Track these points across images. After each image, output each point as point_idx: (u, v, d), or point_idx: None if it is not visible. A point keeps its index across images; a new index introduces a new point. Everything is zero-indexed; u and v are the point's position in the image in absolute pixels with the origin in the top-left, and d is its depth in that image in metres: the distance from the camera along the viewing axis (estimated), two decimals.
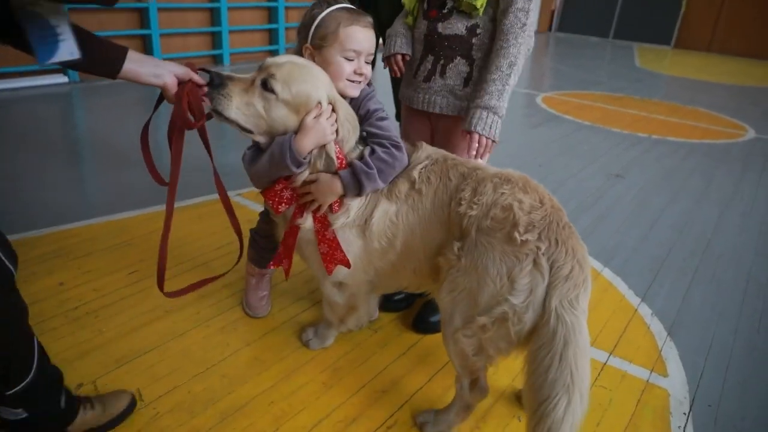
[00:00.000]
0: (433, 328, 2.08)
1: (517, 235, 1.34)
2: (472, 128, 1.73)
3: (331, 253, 1.60)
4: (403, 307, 2.23)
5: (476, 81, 1.80)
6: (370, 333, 2.09)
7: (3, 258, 1.22)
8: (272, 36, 7.99)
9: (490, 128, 1.73)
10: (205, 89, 1.47)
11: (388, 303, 2.21)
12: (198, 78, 1.48)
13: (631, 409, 1.80)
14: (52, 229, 2.67)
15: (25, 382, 1.33)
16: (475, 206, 1.44)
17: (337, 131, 1.52)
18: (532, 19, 1.75)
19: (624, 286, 2.56)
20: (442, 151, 1.65)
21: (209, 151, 1.65)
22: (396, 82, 2.16)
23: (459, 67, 1.81)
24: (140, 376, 1.80)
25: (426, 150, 1.64)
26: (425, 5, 1.84)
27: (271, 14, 7.88)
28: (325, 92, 1.50)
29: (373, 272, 1.69)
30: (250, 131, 1.50)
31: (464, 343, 1.46)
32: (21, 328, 1.32)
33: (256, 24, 7.73)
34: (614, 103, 6.64)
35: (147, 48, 6.41)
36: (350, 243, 1.61)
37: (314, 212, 1.58)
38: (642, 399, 1.85)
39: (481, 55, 1.79)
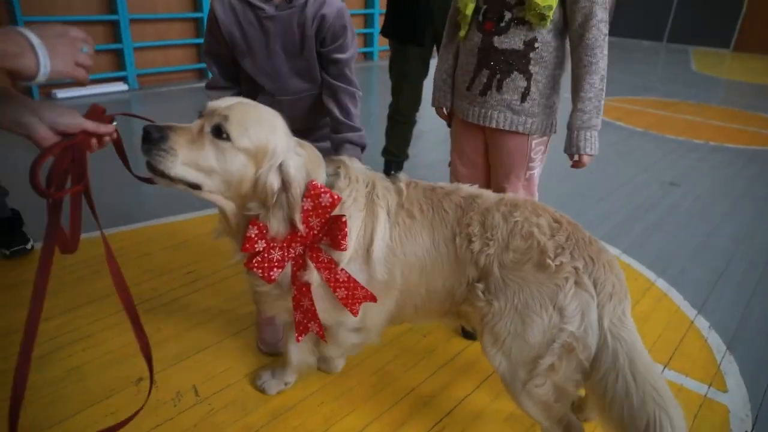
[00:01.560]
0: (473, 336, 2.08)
1: (549, 261, 1.27)
2: (582, 152, 1.75)
3: (352, 294, 1.40)
4: None
5: (534, 96, 1.79)
6: (419, 338, 2.10)
7: None
8: None
9: (594, 145, 1.76)
10: (105, 141, 1.22)
11: None
12: (96, 128, 1.17)
13: (688, 424, 1.75)
14: (112, 230, 2.81)
15: None
16: (490, 242, 1.35)
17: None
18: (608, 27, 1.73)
19: (679, 297, 2.48)
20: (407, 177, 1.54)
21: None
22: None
23: (516, 82, 1.78)
24: (196, 373, 1.86)
25: (368, 173, 1.50)
26: (480, 17, 1.81)
27: None
28: (284, 137, 1.30)
29: (386, 316, 1.54)
30: (197, 188, 1.27)
31: (539, 393, 1.33)
32: None
33: None
34: (668, 109, 6.45)
35: (120, 62, 6.09)
36: (356, 278, 1.41)
37: (316, 261, 1.35)
38: (700, 414, 1.79)
39: (539, 70, 1.77)
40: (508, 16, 1.75)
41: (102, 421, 1.66)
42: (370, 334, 1.57)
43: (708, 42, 13.27)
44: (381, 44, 9.02)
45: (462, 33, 1.88)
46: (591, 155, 1.76)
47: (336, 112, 1.81)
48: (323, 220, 1.33)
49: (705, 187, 3.92)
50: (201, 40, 6.88)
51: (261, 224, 1.30)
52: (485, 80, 1.83)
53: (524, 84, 1.78)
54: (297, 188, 1.27)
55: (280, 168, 1.27)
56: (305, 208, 1.29)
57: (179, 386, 1.80)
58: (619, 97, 6.86)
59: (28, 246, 2.60)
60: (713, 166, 4.41)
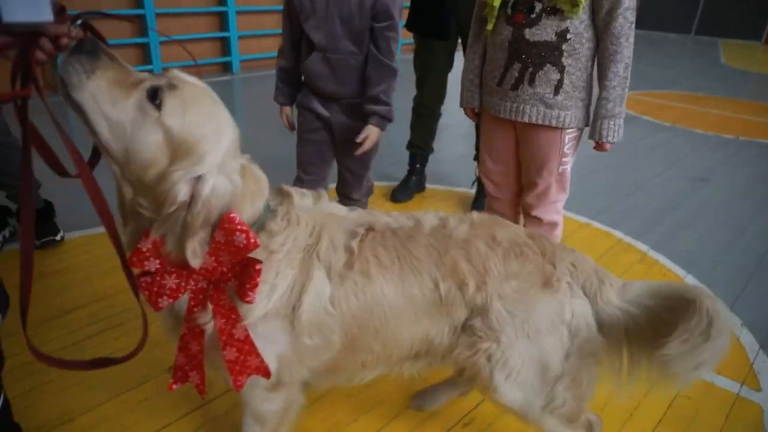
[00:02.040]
0: None
1: (555, 281, 1.23)
2: (604, 140, 1.77)
3: (243, 360, 1.13)
4: None
5: (567, 88, 1.77)
6: None
7: None
8: None
9: (617, 133, 1.76)
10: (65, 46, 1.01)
11: None
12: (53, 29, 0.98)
13: (720, 422, 1.73)
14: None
15: None
16: (486, 277, 1.22)
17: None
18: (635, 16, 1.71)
19: None
20: (365, 215, 1.31)
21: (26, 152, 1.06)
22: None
23: (549, 74, 1.76)
24: None
25: (337, 208, 1.31)
26: (508, 10, 1.79)
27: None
28: (223, 151, 1.05)
29: (307, 372, 1.29)
30: (96, 133, 1.01)
31: (560, 414, 1.29)
32: None
33: (268, 29, 7.43)
34: (696, 103, 6.34)
35: (146, 56, 6.25)
36: (273, 339, 1.18)
37: (216, 304, 1.10)
38: (732, 413, 1.77)
39: (572, 62, 1.75)
40: (538, 6, 1.73)
41: (136, 407, 1.69)
42: (292, 390, 1.31)
43: (738, 34, 12.99)
44: (405, 37, 8.98)
45: (489, 26, 1.86)
46: (613, 143, 1.78)
47: (374, 83, 2.02)
48: (236, 261, 1.06)
49: (735, 182, 3.85)
50: (225, 34, 6.95)
51: (157, 239, 1.02)
52: (517, 74, 1.81)
53: (557, 77, 1.77)
54: (201, 211, 0.99)
55: (197, 180, 1.00)
56: (216, 239, 1.03)
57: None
58: (645, 91, 6.75)
59: (58, 237, 2.66)
60: (743, 162, 4.33)
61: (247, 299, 1.06)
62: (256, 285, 1.05)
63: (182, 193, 0.99)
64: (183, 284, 1.08)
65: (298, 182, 2.29)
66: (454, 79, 3.39)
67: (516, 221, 2.14)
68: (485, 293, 1.21)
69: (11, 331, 1.98)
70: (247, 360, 1.13)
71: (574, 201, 3.24)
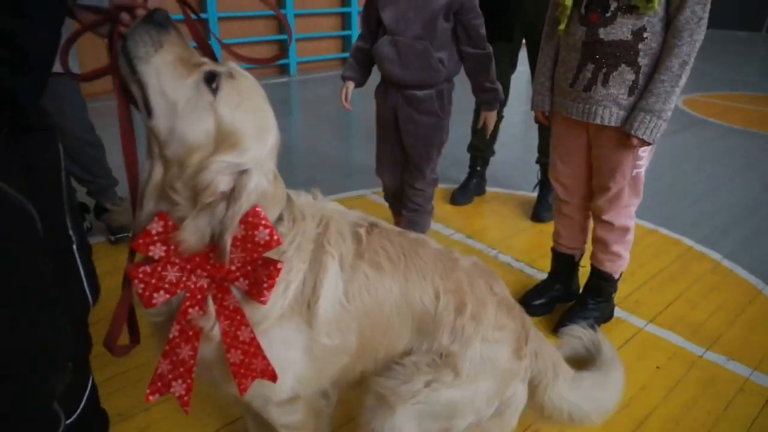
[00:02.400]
0: None
1: (523, 355, 1.24)
2: (633, 131, 1.68)
3: (248, 363, 1.05)
4: (543, 312, 2.20)
5: (642, 89, 1.71)
6: None
7: (86, 289, 1.14)
8: (345, 43, 7.86)
9: (651, 132, 1.68)
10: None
11: (527, 307, 2.17)
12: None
13: None
14: None
15: (69, 420, 1.19)
16: (484, 314, 1.20)
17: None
18: (707, 14, 1.63)
19: None
20: (361, 215, 1.27)
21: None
22: None
23: (623, 75, 1.71)
24: None
25: (337, 205, 1.26)
26: (582, 10, 1.75)
27: (344, 21, 7.73)
28: (266, 150, 1.03)
29: (327, 382, 1.23)
30: (149, 111, 0.97)
31: None
32: (81, 361, 1.23)
33: (326, 31, 7.58)
34: None
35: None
36: (289, 342, 1.11)
37: (219, 304, 1.02)
38: None
39: (648, 61, 1.69)
40: (613, 5, 1.68)
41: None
42: (315, 399, 1.25)
43: None
44: None
45: (562, 27, 1.82)
46: (643, 140, 1.69)
47: (475, 74, 2.18)
48: (250, 259, 1.01)
49: None
50: (282, 37, 7.08)
51: (171, 222, 0.97)
52: (590, 75, 1.77)
53: (632, 77, 1.71)
54: (243, 206, 0.96)
55: (241, 174, 0.97)
56: (234, 235, 0.98)
57: None
58: (714, 93, 6.47)
59: (131, 233, 2.77)
60: None
61: (263, 299, 1.01)
62: (273, 285, 1.01)
63: (223, 183, 0.96)
64: (184, 279, 1.00)
65: (378, 174, 2.46)
66: (517, 81, 3.35)
67: (585, 226, 2.10)
68: (475, 325, 1.18)
69: (91, 321, 2.09)
70: (252, 363, 1.05)
71: (639, 206, 3.16)
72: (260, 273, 1.00)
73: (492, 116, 2.27)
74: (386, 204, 3.20)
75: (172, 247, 0.97)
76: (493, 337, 1.19)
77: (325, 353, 1.14)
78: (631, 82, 1.71)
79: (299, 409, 1.22)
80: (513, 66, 3.04)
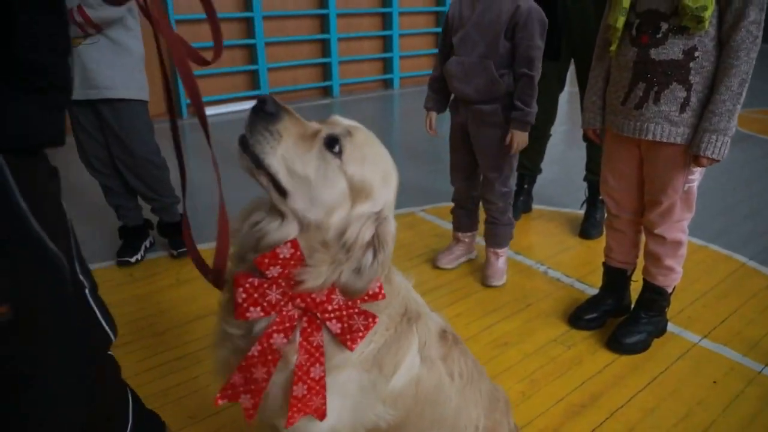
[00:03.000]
0: (629, 349, 2.05)
1: None
2: (702, 153, 1.72)
3: (307, 399, 1.06)
4: (594, 326, 2.21)
5: (694, 106, 1.75)
6: (564, 349, 2.11)
7: (106, 328, 1.18)
8: (386, 66, 8.07)
9: (719, 150, 1.71)
10: None
11: (579, 321, 2.22)
12: None
13: None
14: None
15: None
16: None
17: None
18: (761, 30, 1.66)
19: None
20: (446, 323, 1.33)
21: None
22: None
23: (675, 93, 1.75)
24: None
25: (414, 294, 1.25)
26: (633, 32, 1.80)
27: (386, 44, 7.93)
28: (392, 194, 1.09)
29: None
30: (284, 194, 1.00)
31: None
32: (115, 385, 1.29)
33: (368, 54, 7.78)
34: None
35: (255, 83, 6.72)
36: (346, 391, 1.12)
37: (305, 338, 1.04)
38: None
39: (699, 79, 1.73)
40: (664, 26, 1.73)
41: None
42: None
43: None
44: None
45: (613, 48, 1.88)
46: (712, 159, 1.72)
47: (515, 92, 2.26)
48: (350, 304, 1.05)
49: None
50: (325, 60, 7.29)
51: (300, 253, 1.01)
52: (641, 93, 1.81)
53: (683, 95, 1.75)
54: (390, 250, 1.03)
55: (382, 222, 1.03)
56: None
57: None
58: (761, 108, 6.35)
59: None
60: None
61: (353, 346, 1.05)
62: (364, 336, 1.06)
63: (369, 234, 1.02)
64: (282, 304, 1.03)
65: (452, 182, 2.66)
66: (562, 99, 3.40)
67: (636, 241, 2.12)
68: None
69: (158, 331, 2.22)
70: (311, 400, 1.07)
71: (690, 222, 3.14)
72: (356, 322, 1.05)
73: (518, 135, 2.28)
74: (432, 220, 3.28)
75: (286, 272, 1.00)
76: None
77: (368, 413, 1.16)
78: (682, 100, 1.75)
79: None
80: (561, 85, 3.09)
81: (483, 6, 2.21)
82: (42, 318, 0.91)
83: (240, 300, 1.01)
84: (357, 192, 1.02)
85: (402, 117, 6.57)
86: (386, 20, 7.80)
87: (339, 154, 1.00)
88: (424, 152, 4.69)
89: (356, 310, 1.05)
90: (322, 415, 1.08)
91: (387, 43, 7.93)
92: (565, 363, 2.03)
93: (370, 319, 1.05)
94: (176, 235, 2.89)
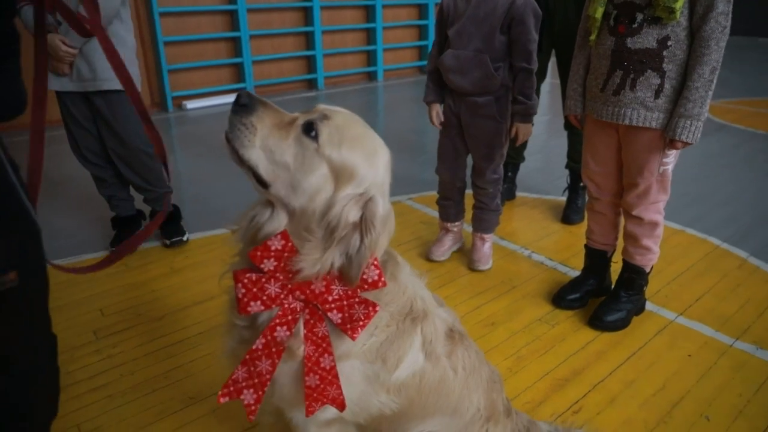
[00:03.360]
0: (610, 327, 2.16)
1: None
2: (676, 137, 1.82)
3: (322, 389, 1.09)
4: (577, 306, 2.32)
5: (668, 92, 1.85)
6: (548, 328, 2.21)
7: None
8: (370, 58, 8.12)
9: (692, 134, 1.81)
10: None
11: (562, 301, 2.32)
12: None
13: None
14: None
15: None
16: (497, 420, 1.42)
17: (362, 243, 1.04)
18: (730, 20, 1.75)
19: None
20: (454, 317, 1.41)
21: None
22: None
23: (650, 80, 1.85)
24: None
25: (422, 293, 1.29)
26: (611, 22, 1.90)
27: (369, 36, 8.01)
28: (381, 173, 1.08)
29: (363, 418, 1.27)
30: (265, 185, 1.05)
31: None
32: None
33: (352, 46, 7.85)
34: None
35: (240, 76, 6.77)
36: (352, 380, 1.16)
37: (310, 330, 1.08)
38: None
39: (672, 67, 1.82)
40: (639, 17, 1.82)
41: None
42: (347, 429, 1.29)
43: None
44: None
45: (593, 37, 1.97)
46: (686, 142, 1.82)
47: (515, 85, 2.34)
48: (350, 294, 1.08)
49: None
50: (310, 53, 7.31)
51: (291, 243, 1.04)
52: (618, 80, 1.91)
53: (658, 81, 1.85)
54: (378, 232, 1.03)
55: (367, 203, 1.04)
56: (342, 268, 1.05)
57: None
58: (738, 99, 6.53)
59: (185, 238, 2.96)
60: None
61: (354, 335, 1.06)
62: (367, 325, 1.07)
63: (352, 214, 1.03)
64: (282, 297, 1.05)
65: (438, 172, 2.70)
66: (546, 91, 3.48)
67: (616, 223, 2.23)
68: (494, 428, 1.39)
69: (155, 317, 2.26)
70: (326, 389, 1.10)
71: (667, 208, 3.25)
72: (357, 311, 1.07)
73: (523, 128, 2.40)
74: (419, 208, 3.36)
75: (283, 265, 1.03)
76: None
77: (374, 401, 1.20)
78: (656, 86, 1.85)
79: None
80: (542, 75, 3.18)
81: (478, 0, 2.27)
82: (33, 282, 1.00)
83: (240, 295, 1.04)
84: (338, 174, 1.03)
85: (386, 108, 6.62)
86: (369, 13, 7.85)
87: (316, 138, 1.02)
88: (409, 143, 4.77)
89: (357, 300, 1.07)
90: (341, 405, 1.11)
91: (370, 36, 7.98)
92: (549, 340, 2.13)
93: (371, 308, 1.07)
94: (169, 225, 2.94)
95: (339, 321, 1.07)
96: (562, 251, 2.83)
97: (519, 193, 3.58)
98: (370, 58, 8.13)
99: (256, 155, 1.03)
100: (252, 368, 1.09)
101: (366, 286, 1.07)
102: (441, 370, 1.28)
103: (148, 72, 6.08)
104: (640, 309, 2.26)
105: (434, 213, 3.08)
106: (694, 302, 2.38)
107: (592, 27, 1.95)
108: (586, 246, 2.33)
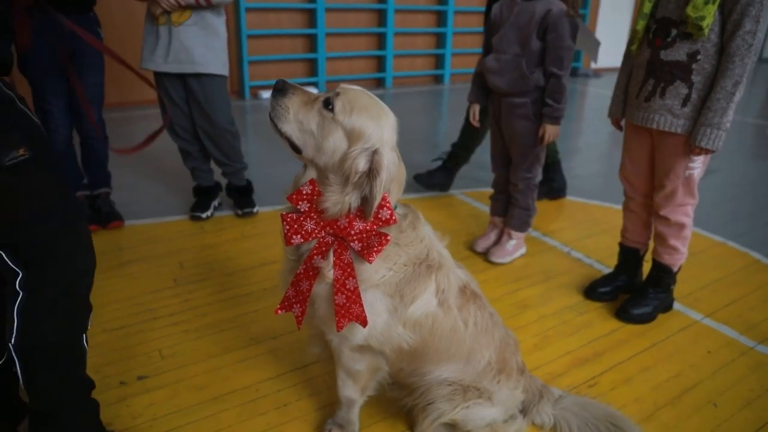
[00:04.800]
0: (635, 319, 2.32)
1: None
2: (697, 143, 1.97)
3: (348, 307, 1.37)
4: (607, 299, 2.48)
5: (695, 102, 2.00)
6: (577, 314, 2.39)
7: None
8: (438, 61, 8.38)
9: (713, 142, 1.95)
10: None
11: (593, 293, 2.49)
12: None
13: None
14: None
15: None
16: (509, 375, 1.64)
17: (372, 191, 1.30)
18: (760, 39, 1.89)
19: None
20: (469, 277, 1.66)
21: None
22: None
23: (678, 89, 2.01)
24: None
25: (441, 249, 1.56)
26: (650, 35, 2.08)
27: (439, 40, 8.25)
28: (386, 133, 1.35)
29: (387, 349, 1.53)
30: (299, 150, 1.37)
31: None
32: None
33: (421, 49, 8.18)
34: None
35: (313, 70, 7.23)
36: (375, 307, 1.43)
37: (338, 257, 1.36)
38: None
39: (700, 79, 1.97)
40: (674, 32, 1.99)
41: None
42: (376, 358, 1.56)
43: None
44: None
45: (633, 47, 2.16)
46: (708, 149, 1.97)
47: (546, 89, 2.52)
48: (368, 229, 1.35)
49: None
50: (380, 53, 7.62)
51: (318, 189, 1.35)
52: (650, 88, 2.08)
53: (686, 91, 2.01)
54: (384, 178, 1.28)
55: (373, 154, 1.30)
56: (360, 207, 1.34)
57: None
58: None
59: (254, 210, 3.31)
60: None
61: (370, 259, 1.33)
62: (380, 251, 1.34)
63: (362, 164, 1.30)
64: (316, 231, 1.36)
65: (491, 170, 2.94)
66: None
67: (648, 222, 2.38)
68: (505, 381, 1.63)
69: (226, 272, 2.56)
70: (351, 307, 1.36)
71: (712, 222, 3.35)
72: (373, 241, 1.34)
73: (549, 129, 2.55)
74: (470, 202, 3.58)
75: (315, 206, 1.36)
76: (512, 386, 1.65)
77: (393, 332, 1.47)
78: (684, 96, 2.01)
79: (363, 361, 1.56)
80: None
81: (519, 9, 2.49)
82: (39, 156, 1.29)
83: (285, 231, 1.38)
84: (350, 135, 1.31)
85: (449, 111, 6.85)
86: (441, 18, 8.09)
87: (332, 110, 1.32)
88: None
89: (373, 233, 1.35)
90: (364, 322, 1.38)
91: (440, 40, 8.24)
92: (576, 326, 2.31)
93: (383, 238, 1.34)
94: (242, 198, 3.29)
95: (359, 249, 1.35)
96: (601, 251, 2.98)
97: (574, 197, 3.74)
98: (438, 61, 8.39)
99: (290, 127, 1.35)
100: (297, 288, 1.43)
101: (380, 223, 1.34)
102: (452, 319, 1.52)
103: (230, 62, 6.54)
104: (667, 307, 2.40)
105: (484, 207, 3.29)
106: (723, 307, 2.48)
107: (634, 38, 2.14)
108: (620, 244, 2.49)
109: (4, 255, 1.26)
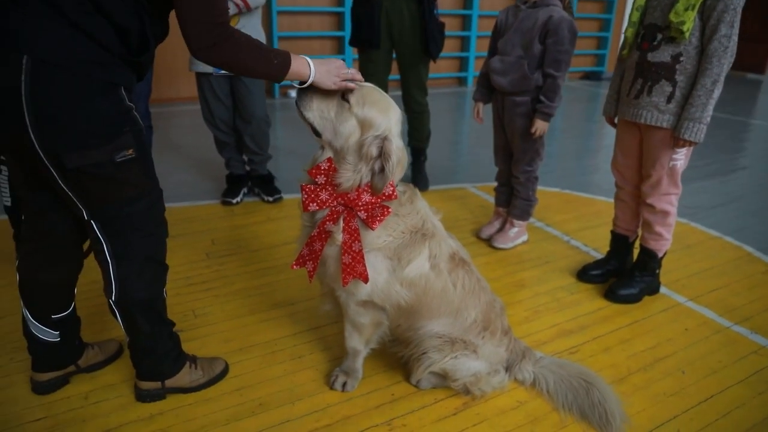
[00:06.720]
0: (621, 299, 2.53)
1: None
2: (682, 136, 2.19)
3: (353, 265, 1.64)
4: (597, 281, 2.69)
5: (678, 99, 2.21)
6: (568, 294, 2.61)
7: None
8: (462, 64, 8.58)
9: (696, 134, 2.17)
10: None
11: (584, 275, 2.71)
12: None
13: None
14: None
15: None
16: (494, 333, 1.89)
17: (383, 167, 1.60)
18: (734, 42, 2.09)
19: None
20: (460, 246, 1.91)
21: None
22: None
23: (663, 87, 2.23)
24: None
25: (434, 221, 1.82)
26: (639, 40, 2.31)
27: (463, 43, 8.47)
28: (393, 124, 1.63)
29: (388, 305, 1.79)
30: (318, 134, 1.65)
31: None
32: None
33: (446, 52, 8.37)
34: None
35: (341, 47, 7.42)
36: (376, 267, 1.70)
37: (347, 224, 1.63)
38: None
39: (683, 78, 2.19)
40: (659, 36, 2.22)
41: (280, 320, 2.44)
42: (378, 313, 1.81)
43: None
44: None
45: (625, 52, 2.39)
46: (691, 141, 2.18)
47: (542, 88, 2.73)
48: (372, 201, 1.63)
49: None
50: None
51: (335, 166, 1.63)
52: (639, 87, 2.31)
53: (670, 89, 2.22)
54: (395, 161, 1.58)
55: (384, 141, 1.58)
56: (368, 183, 1.62)
57: None
58: None
59: (281, 196, 3.62)
60: None
61: (373, 226, 1.63)
62: (382, 221, 1.63)
63: (375, 150, 1.59)
64: (330, 201, 1.64)
65: (495, 164, 3.17)
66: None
67: (637, 212, 2.59)
68: (490, 338, 1.88)
69: (253, 248, 2.85)
70: (355, 266, 1.63)
71: (711, 218, 3.52)
72: (376, 211, 1.64)
73: (540, 124, 2.75)
74: (480, 195, 3.82)
75: (329, 179, 1.64)
76: (496, 344, 1.90)
77: (392, 290, 1.73)
78: (669, 93, 2.22)
79: (368, 315, 1.81)
80: (387, 69, 3.74)
81: (524, 15, 2.72)
82: (139, 155, 1.54)
83: (303, 198, 1.67)
84: (362, 124, 1.61)
85: (472, 111, 7.07)
86: (465, 22, 8.33)
87: (348, 102, 1.61)
88: (489, 140, 5.21)
89: (377, 204, 1.64)
90: (365, 278, 1.66)
91: (464, 43, 8.47)
92: (566, 303, 2.54)
93: (385, 210, 1.64)
94: (267, 186, 3.61)
95: (364, 217, 1.64)
96: (599, 240, 3.18)
97: (576, 192, 3.95)
98: (462, 64, 8.64)
99: (312, 114, 1.64)
100: (311, 248, 1.71)
101: (384, 197, 1.64)
102: (443, 281, 1.77)
103: None
104: (653, 290, 2.60)
105: (492, 199, 3.52)
106: (708, 293, 2.67)
107: (625, 44, 2.36)
108: (611, 231, 2.71)
109: (95, 225, 1.57)
